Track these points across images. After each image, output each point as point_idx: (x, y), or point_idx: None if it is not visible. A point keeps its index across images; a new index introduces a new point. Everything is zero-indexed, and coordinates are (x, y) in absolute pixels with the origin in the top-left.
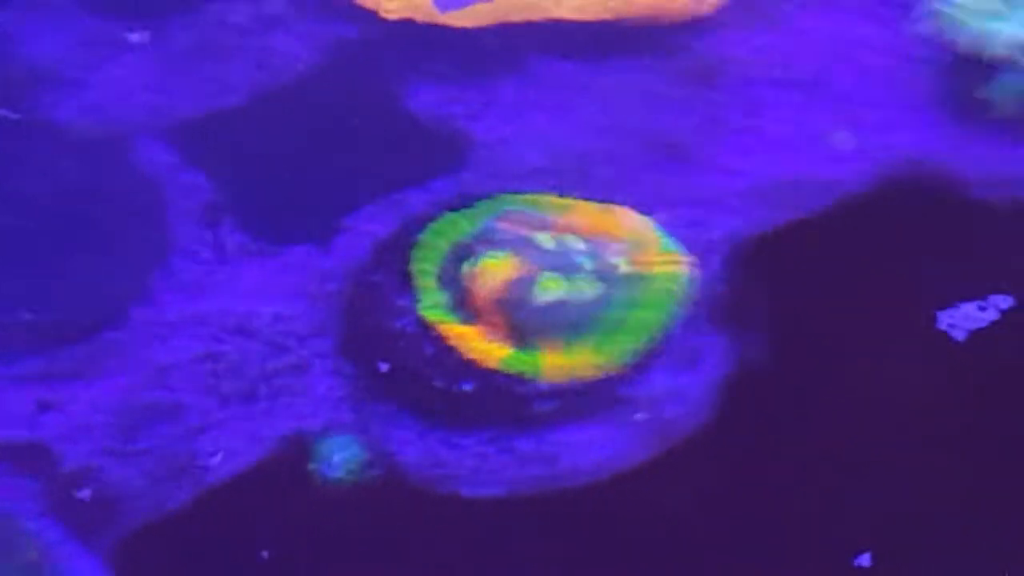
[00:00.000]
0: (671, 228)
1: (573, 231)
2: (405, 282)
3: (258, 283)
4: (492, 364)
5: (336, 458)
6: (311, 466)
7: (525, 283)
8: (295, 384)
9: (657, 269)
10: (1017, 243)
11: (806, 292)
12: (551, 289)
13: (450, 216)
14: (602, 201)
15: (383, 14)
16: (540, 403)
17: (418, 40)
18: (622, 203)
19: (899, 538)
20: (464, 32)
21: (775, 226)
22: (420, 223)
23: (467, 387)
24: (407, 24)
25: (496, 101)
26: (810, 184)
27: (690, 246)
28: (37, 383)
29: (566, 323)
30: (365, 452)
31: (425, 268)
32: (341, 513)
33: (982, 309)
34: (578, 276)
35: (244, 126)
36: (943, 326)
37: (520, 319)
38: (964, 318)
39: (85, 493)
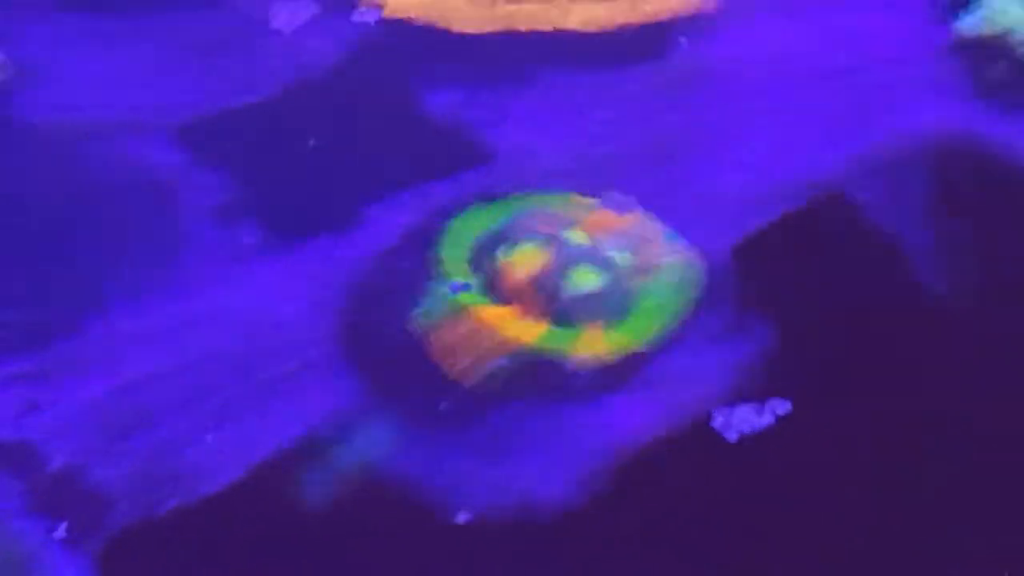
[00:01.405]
0: (673, 223)
1: (593, 229)
2: (429, 272)
3: (266, 283)
4: (528, 341)
5: (359, 442)
6: (336, 451)
7: (555, 275)
8: (300, 385)
9: (664, 261)
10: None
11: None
12: (583, 282)
13: (479, 207)
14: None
15: (387, 13)
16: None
17: (434, 44)
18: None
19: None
20: (478, 39)
21: (777, 223)
22: (444, 216)
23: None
24: (421, 27)
25: (514, 107)
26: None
27: (694, 241)
28: (26, 383)
29: (596, 313)
30: (386, 439)
31: (455, 254)
32: (341, 512)
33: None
34: (607, 269)
35: (257, 123)
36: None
37: (555, 306)
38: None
39: (75, 491)
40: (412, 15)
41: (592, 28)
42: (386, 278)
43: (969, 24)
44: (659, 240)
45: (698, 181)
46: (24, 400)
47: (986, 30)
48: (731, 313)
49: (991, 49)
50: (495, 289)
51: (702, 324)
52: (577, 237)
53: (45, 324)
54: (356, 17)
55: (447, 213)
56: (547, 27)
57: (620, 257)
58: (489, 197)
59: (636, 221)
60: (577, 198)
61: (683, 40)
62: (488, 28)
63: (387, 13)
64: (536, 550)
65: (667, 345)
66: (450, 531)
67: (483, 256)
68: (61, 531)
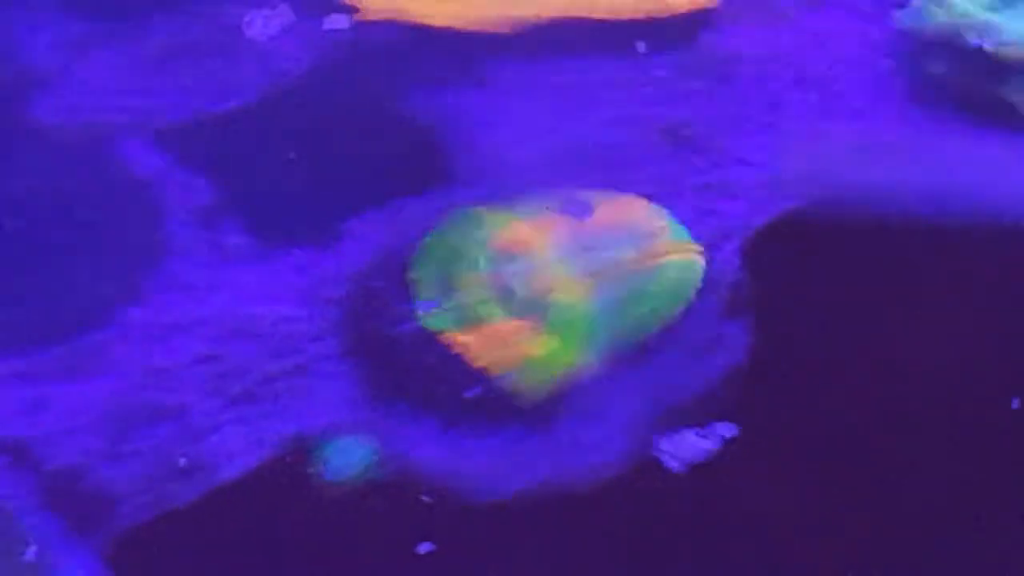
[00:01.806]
0: (677, 217)
1: (587, 228)
2: (406, 288)
3: (256, 286)
4: (496, 372)
5: (338, 462)
6: (312, 470)
7: (545, 282)
8: (295, 388)
9: (669, 259)
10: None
11: (815, 284)
12: (573, 288)
13: (458, 219)
14: (614, 192)
15: (367, 15)
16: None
17: (412, 42)
18: (634, 193)
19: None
20: (459, 33)
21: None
22: (423, 228)
23: (475, 392)
24: (401, 26)
25: (508, 98)
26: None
27: (702, 236)
28: (30, 381)
29: (589, 320)
30: (368, 456)
31: (425, 276)
32: (344, 517)
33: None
34: (595, 273)
35: (240, 128)
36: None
37: (539, 317)
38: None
39: (82, 488)
40: (394, 15)
41: (608, 16)
42: (362, 295)
43: (910, 18)
44: (664, 234)
45: (696, 176)
46: (27, 398)
47: (930, 23)
48: (713, 322)
49: (935, 44)
50: (468, 313)
51: (686, 333)
52: (567, 239)
53: (43, 324)
54: (328, 24)
55: (427, 225)
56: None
57: (620, 254)
58: (477, 202)
59: (641, 212)
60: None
61: (641, 45)
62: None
63: (371, 15)
64: None
65: (650, 354)
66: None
67: (456, 275)
68: (31, 554)
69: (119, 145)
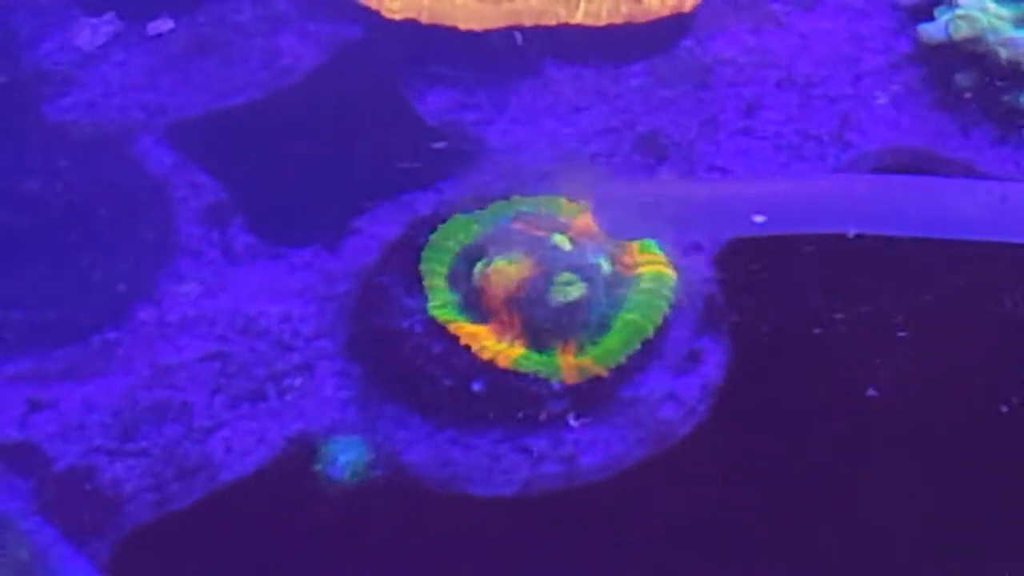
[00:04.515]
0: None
1: (583, 232)
2: (413, 283)
3: (263, 283)
4: (505, 363)
5: (341, 459)
6: (316, 467)
7: (540, 284)
8: (301, 384)
9: (641, 270)
10: None
11: (797, 292)
12: (568, 290)
13: (461, 217)
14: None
15: (386, 14)
16: (552, 403)
17: (426, 41)
18: None
19: (897, 541)
20: (474, 35)
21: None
22: (429, 225)
23: (477, 386)
24: (414, 25)
25: (508, 104)
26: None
27: (683, 246)
28: (32, 382)
29: (581, 324)
30: (370, 453)
31: (435, 268)
32: (348, 514)
33: None
34: (595, 277)
35: (249, 126)
36: None
37: (536, 319)
38: None
39: (81, 492)
40: (409, 14)
41: (594, 23)
42: (369, 291)
43: (935, 29)
44: (632, 247)
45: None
46: (28, 400)
47: (955, 34)
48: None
49: (960, 55)
50: (474, 306)
51: (660, 350)
52: (562, 242)
53: (52, 324)
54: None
55: (431, 222)
56: (552, 22)
57: (602, 264)
58: (477, 203)
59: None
60: (565, 200)
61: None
62: (490, 24)
63: (386, 13)
64: None
65: (628, 371)
66: None
67: (462, 271)
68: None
69: (131, 143)
